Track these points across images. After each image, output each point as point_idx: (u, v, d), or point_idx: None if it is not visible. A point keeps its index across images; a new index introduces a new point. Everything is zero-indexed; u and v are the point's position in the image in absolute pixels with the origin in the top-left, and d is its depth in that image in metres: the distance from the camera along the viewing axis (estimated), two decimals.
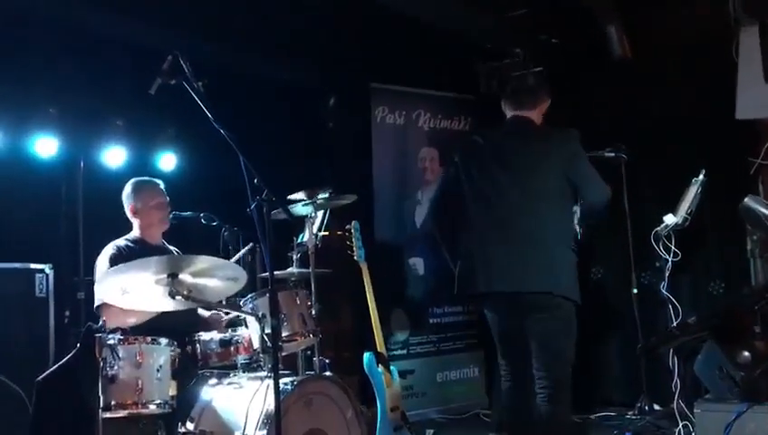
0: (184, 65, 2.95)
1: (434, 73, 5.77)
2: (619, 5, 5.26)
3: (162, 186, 3.83)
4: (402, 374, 4.96)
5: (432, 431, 4.71)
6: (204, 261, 2.96)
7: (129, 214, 3.76)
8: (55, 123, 4.55)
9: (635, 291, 4.86)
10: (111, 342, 3.00)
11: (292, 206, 3.80)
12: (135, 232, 3.76)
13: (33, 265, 4.32)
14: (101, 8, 4.47)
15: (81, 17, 4.51)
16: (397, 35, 5.18)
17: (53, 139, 4.55)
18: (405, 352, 5.57)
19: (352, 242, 4.44)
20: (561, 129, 3.56)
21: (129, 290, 2.94)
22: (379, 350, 4.27)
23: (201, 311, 3.72)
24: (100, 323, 3.34)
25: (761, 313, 1.67)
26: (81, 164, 4.66)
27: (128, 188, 3.77)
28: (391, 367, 4.26)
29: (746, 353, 1.55)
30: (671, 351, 4.31)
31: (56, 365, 3.50)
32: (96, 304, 3.41)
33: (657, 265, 4.51)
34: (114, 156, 4.85)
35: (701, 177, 4.39)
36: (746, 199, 4.47)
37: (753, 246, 4.61)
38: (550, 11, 5.18)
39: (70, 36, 4.51)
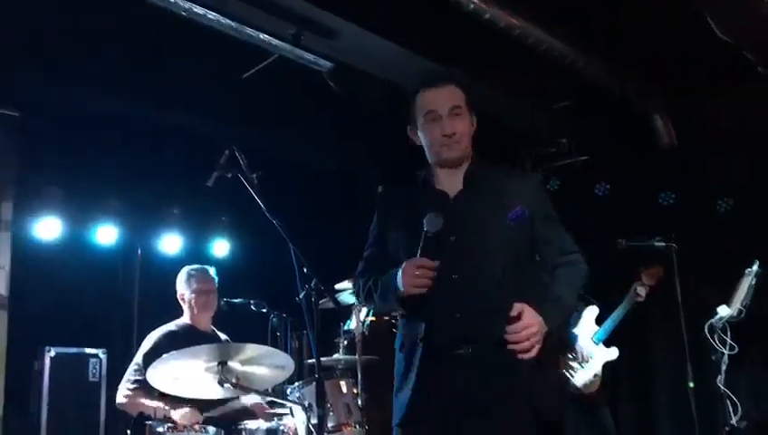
0: (240, 158, 3.07)
1: None
2: (662, 94, 5.32)
3: (212, 271, 3.93)
4: None
5: None
6: (252, 349, 3.01)
7: (179, 299, 3.87)
8: (116, 212, 4.76)
9: (691, 385, 4.68)
10: (161, 430, 3.04)
11: (339, 294, 3.84)
12: (185, 317, 3.85)
13: (87, 350, 4.44)
14: (160, 103, 4.73)
15: (142, 112, 4.78)
16: None
17: (113, 227, 4.75)
18: None
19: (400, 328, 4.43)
20: None
21: (179, 377, 2.99)
22: None
23: (244, 399, 3.73)
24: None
25: None
26: (139, 251, 4.83)
27: (180, 275, 3.90)
28: None
29: None
30: None
31: None
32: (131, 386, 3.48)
33: (713, 358, 4.36)
34: (170, 243, 5.01)
35: (754, 267, 4.28)
36: None
37: None
38: (594, 101, 5.26)
39: (130, 130, 4.77)
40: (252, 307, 4.06)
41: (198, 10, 3.13)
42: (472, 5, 3.90)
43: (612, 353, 4.87)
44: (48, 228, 4.52)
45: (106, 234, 4.73)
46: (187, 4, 3.14)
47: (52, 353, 4.28)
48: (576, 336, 4.66)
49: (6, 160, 4.29)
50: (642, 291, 4.58)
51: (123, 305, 4.78)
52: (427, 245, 2.16)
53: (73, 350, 4.40)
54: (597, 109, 5.33)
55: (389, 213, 2.43)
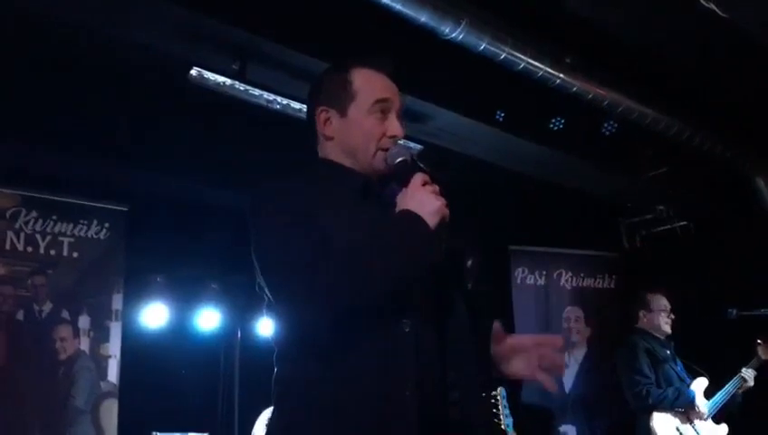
0: None
1: (574, 232, 5.75)
2: (764, 155, 5.12)
3: None
4: None
5: None
6: None
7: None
8: (217, 297, 4.91)
9: None
10: None
11: None
12: None
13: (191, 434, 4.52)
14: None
15: (240, 200, 4.95)
16: (536, 198, 5.27)
17: (216, 312, 4.89)
18: None
19: (499, 410, 4.30)
20: None
21: None
22: None
23: None
24: None
25: None
26: (238, 334, 4.94)
27: None
28: None
29: None
30: None
31: None
32: None
33: None
34: (268, 325, 5.10)
35: None
36: None
37: None
38: (692, 167, 5.11)
39: (228, 217, 4.93)
40: None
41: (295, 105, 3.30)
42: (558, 80, 3.92)
43: (722, 431, 4.54)
44: (155, 315, 4.70)
45: (208, 318, 4.88)
46: (285, 101, 3.31)
47: None
48: (693, 393, 4.38)
49: (116, 253, 4.53)
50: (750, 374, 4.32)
51: (225, 388, 4.88)
52: None
53: None
54: (695, 173, 5.18)
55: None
